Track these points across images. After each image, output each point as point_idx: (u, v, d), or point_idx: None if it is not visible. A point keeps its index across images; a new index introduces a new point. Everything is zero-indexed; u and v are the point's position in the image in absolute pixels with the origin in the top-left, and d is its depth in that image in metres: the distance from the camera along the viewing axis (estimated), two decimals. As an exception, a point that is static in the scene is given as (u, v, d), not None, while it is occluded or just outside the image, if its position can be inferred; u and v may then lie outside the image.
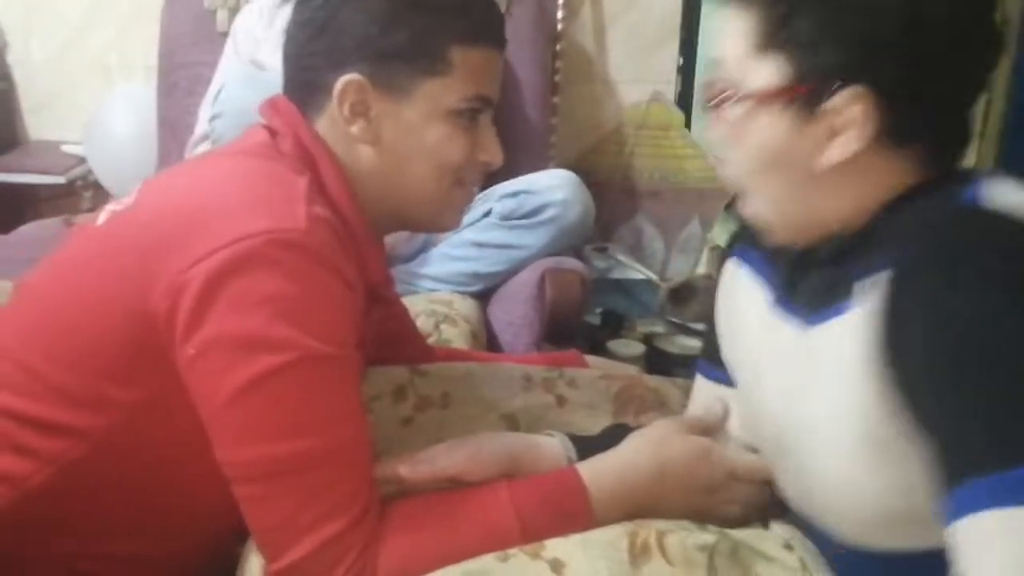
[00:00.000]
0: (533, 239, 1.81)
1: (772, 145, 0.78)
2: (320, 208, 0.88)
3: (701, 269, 2.58)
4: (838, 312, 0.77)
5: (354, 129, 0.96)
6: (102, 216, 0.96)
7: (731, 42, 0.79)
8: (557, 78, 2.40)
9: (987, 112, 2.41)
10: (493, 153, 1.01)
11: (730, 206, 2.51)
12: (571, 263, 1.81)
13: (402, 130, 0.96)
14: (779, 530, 0.90)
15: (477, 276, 1.82)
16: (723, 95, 0.80)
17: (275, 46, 1.96)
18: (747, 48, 0.78)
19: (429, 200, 1.00)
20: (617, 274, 2.50)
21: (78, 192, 2.57)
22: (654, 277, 2.42)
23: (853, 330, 0.74)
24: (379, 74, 0.94)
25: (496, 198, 1.82)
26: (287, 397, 0.82)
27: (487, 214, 1.82)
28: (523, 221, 1.81)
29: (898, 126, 0.75)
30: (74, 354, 0.89)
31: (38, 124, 2.67)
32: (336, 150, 0.97)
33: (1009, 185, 0.73)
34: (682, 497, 0.90)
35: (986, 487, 0.60)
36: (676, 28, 2.59)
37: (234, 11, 2.17)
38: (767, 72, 0.77)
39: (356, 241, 0.94)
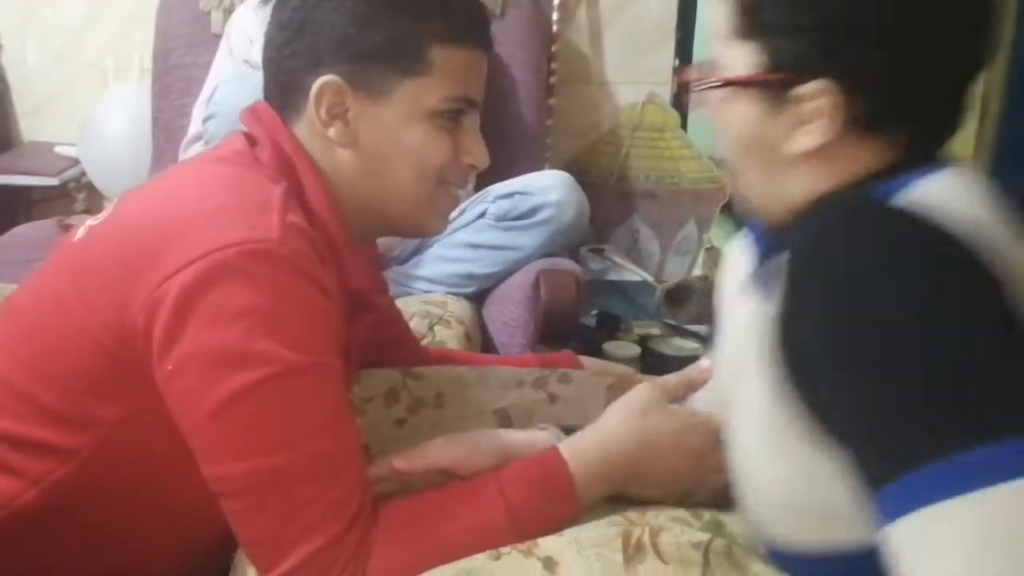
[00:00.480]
0: (528, 240, 1.81)
1: (746, 130, 0.79)
2: (295, 216, 0.87)
3: (697, 270, 2.58)
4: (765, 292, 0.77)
5: (331, 132, 0.94)
6: (80, 231, 0.95)
7: (719, 24, 0.80)
8: (553, 79, 2.40)
9: (986, 96, 2.40)
10: (477, 155, 0.99)
11: (726, 207, 2.51)
12: (566, 264, 1.81)
13: (381, 132, 0.94)
14: None
15: (472, 277, 1.82)
16: (703, 79, 0.81)
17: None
18: (728, 32, 0.78)
19: (411, 203, 0.98)
20: (613, 276, 2.50)
21: (71, 194, 2.56)
22: (650, 279, 2.42)
23: (755, 312, 0.75)
24: (357, 75, 0.93)
25: (491, 199, 1.82)
26: (267, 411, 0.82)
27: (482, 215, 1.82)
28: (518, 222, 1.81)
29: (868, 116, 0.75)
30: (57, 372, 0.89)
31: (32, 126, 2.67)
32: (316, 155, 0.95)
33: (951, 180, 0.72)
34: (668, 467, 0.90)
35: (907, 488, 0.59)
36: (671, 29, 2.59)
37: (229, 12, 2.17)
38: (743, 58, 0.77)
39: (335, 249, 0.93)
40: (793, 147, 0.76)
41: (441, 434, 0.96)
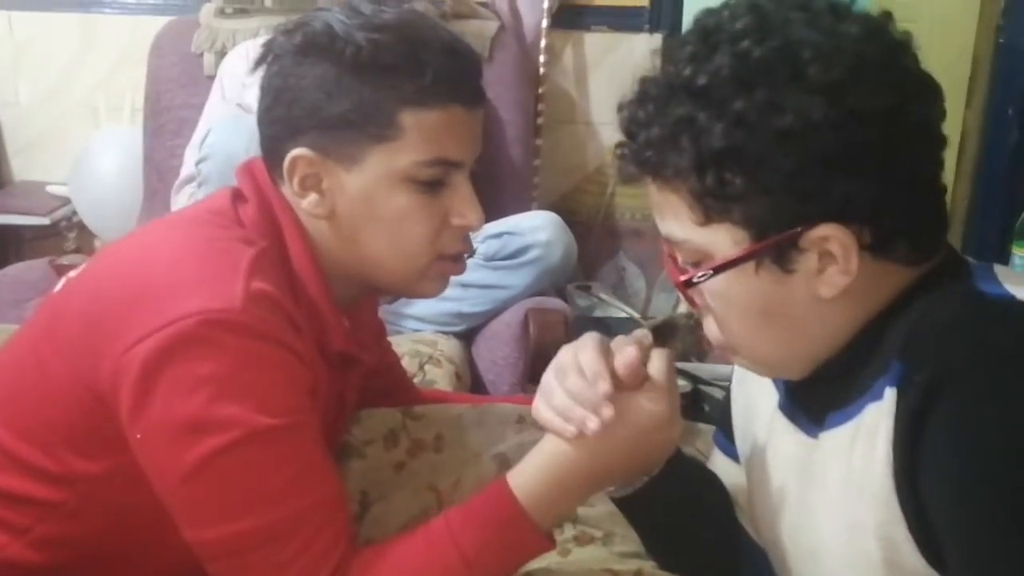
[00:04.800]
0: (517, 279, 1.83)
1: (759, 303, 0.75)
2: (262, 282, 0.85)
3: (683, 307, 2.60)
4: (845, 419, 0.74)
5: (305, 204, 0.93)
6: (61, 283, 0.96)
7: (673, 222, 0.76)
8: (540, 120, 2.43)
9: (965, 130, 2.45)
10: (467, 214, 0.95)
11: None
12: (554, 303, 1.83)
13: (356, 202, 0.92)
14: None
15: (461, 316, 1.84)
16: (689, 275, 0.76)
17: (261, 90, 1.98)
18: (691, 224, 0.74)
19: (399, 274, 0.96)
20: (600, 312, 2.52)
21: (62, 233, 2.56)
22: (636, 315, 2.44)
23: (865, 441, 0.71)
24: (330, 143, 0.91)
25: (481, 239, 1.84)
26: (239, 474, 0.82)
27: (471, 255, 1.84)
28: (507, 262, 1.83)
29: (876, 239, 0.72)
30: (38, 429, 0.89)
31: (23, 165, 2.67)
32: (302, 217, 0.94)
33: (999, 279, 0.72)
34: (628, 456, 0.84)
35: None
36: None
37: (221, 55, 2.19)
38: (722, 241, 0.73)
39: (315, 309, 0.92)
40: (822, 295, 0.73)
41: (440, 477, 0.95)
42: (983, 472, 0.63)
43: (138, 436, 0.83)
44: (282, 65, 0.92)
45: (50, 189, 2.57)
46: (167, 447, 0.82)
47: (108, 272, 0.92)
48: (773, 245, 0.72)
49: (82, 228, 2.55)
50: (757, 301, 0.75)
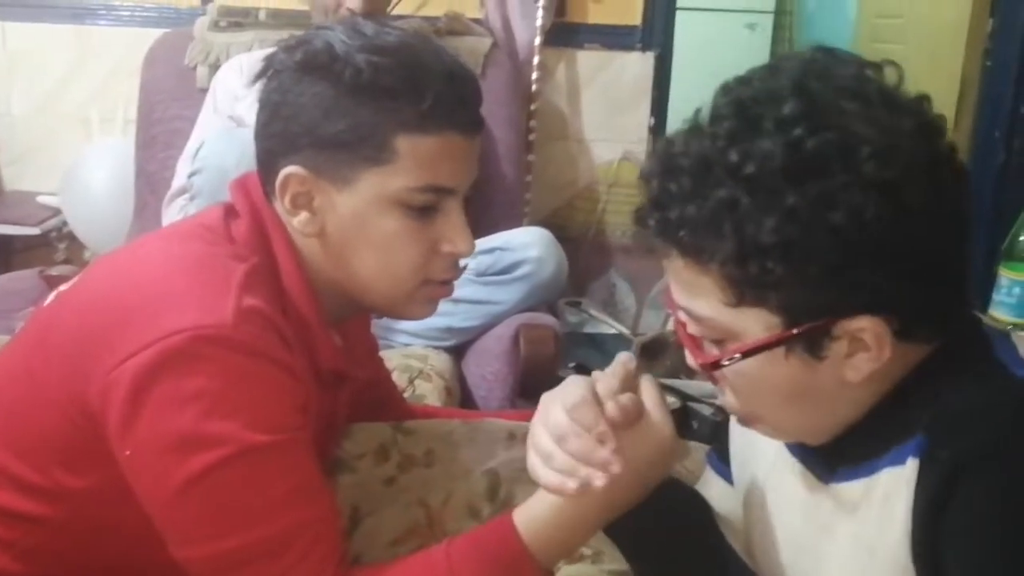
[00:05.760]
0: (508, 295, 1.83)
1: (787, 386, 0.75)
2: (254, 298, 0.85)
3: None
4: (856, 476, 0.75)
5: (296, 222, 0.92)
6: (52, 296, 0.96)
7: (701, 301, 0.74)
8: (532, 137, 2.45)
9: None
10: (458, 242, 0.94)
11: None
12: (545, 319, 1.83)
13: (346, 222, 0.91)
14: None
15: (452, 331, 1.84)
16: (717, 358, 0.75)
17: (253, 103, 2.00)
18: (721, 305, 0.73)
19: (387, 296, 0.96)
20: (590, 328, 2.53)
21: (53, 243, 2.56)
22: (626, 331, 2.45)
23: (880, 502, 0.73)
24: (323, 163, 0.90)
25: (472, 254, 1.84)
26: (230, 491, 0.82)
27: (463, 270, 1.84)
28: (498, 277, 1.83)
29: (904, 327, 0.71)
30: (28, 443, 0.89)
31: (14, 175, 2.67)
32: (293, 234, 0.94)
33: None
34: (634, 488, 0.84)
35: None
36: (648, 89, 2.65)
37: (214, 68, 2.20)
38: (753, 324, 0.72)
39: (306, 326, 0.92)
40: (849, 379, 0.73)
41: (430, 492, 0.95)
42: (1001, 552, 0.66)
43: (127, 452, 0.83)
44: (281, 81, 0.92)
45: (41, 199, 2.57)
46: (157, 464, 0.82)
47: (100, 286, 0.92)
48: (806, 332, 0.71)
49: (72, 239, 2.55)
50: (784, 383, 0.74)
